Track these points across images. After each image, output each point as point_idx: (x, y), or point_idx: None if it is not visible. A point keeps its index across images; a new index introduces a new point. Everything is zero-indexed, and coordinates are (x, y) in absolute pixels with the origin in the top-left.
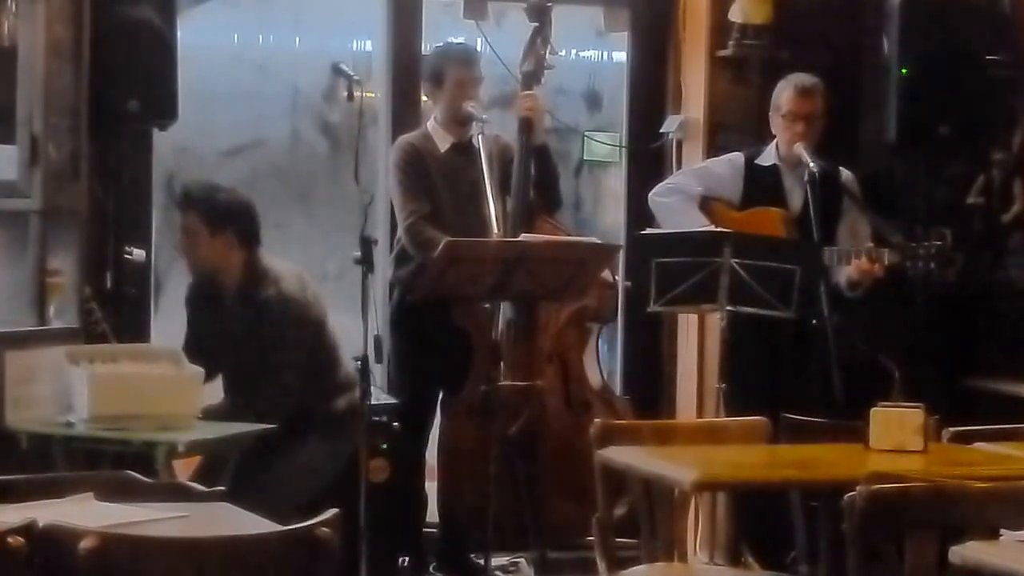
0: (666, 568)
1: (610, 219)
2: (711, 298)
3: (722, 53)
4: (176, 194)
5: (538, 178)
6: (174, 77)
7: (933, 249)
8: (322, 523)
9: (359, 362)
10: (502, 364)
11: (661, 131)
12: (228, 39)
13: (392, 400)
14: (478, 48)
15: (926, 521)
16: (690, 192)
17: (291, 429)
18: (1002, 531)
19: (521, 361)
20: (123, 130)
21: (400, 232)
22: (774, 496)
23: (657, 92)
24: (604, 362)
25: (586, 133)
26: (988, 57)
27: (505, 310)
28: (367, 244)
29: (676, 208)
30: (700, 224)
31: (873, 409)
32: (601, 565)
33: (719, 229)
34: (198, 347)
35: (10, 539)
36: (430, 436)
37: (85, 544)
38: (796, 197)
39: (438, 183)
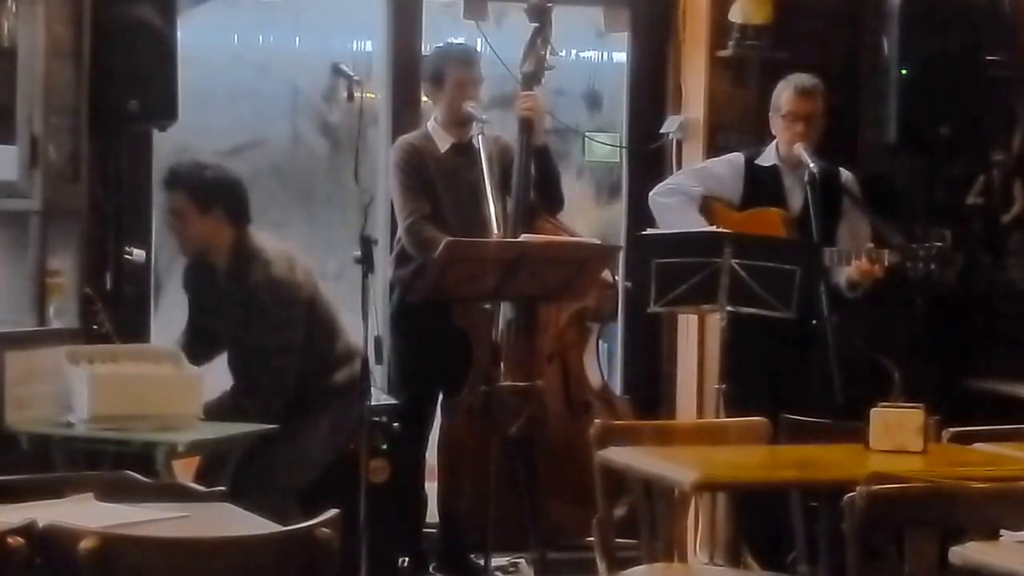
0: (666, 568)
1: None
2: (711, 298)
3: (722, 53)
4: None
5: (539, 178)
6: (174, 77)
7: (933, 250)
8: (322, 523)
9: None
10: (502, 364)
11: (661, 131)
12: (228, 39)
13: (392, 400)
14: (478, 48)
15: (926, 521)
16: (690, 193)
17: (292, 407)
18: (1002, 531)
19: (521, 361)
20: (123, 130)
21: (400, 232)
22: (774, 496)
23: (657, 92)
24: (604, 362)
25: (586, 134)
26: (988, 57)
27: (505, 310)
28: (367, 244)
29: (676, 209)
30: (699, 225)
31: (873, 410)
32: (601, 566)
33: (719, 230)
34: (199, 327)
35: (10, 539)
36: (430, 436)
37: (85, 544)
38: (796, 197)
39: (438, 183)
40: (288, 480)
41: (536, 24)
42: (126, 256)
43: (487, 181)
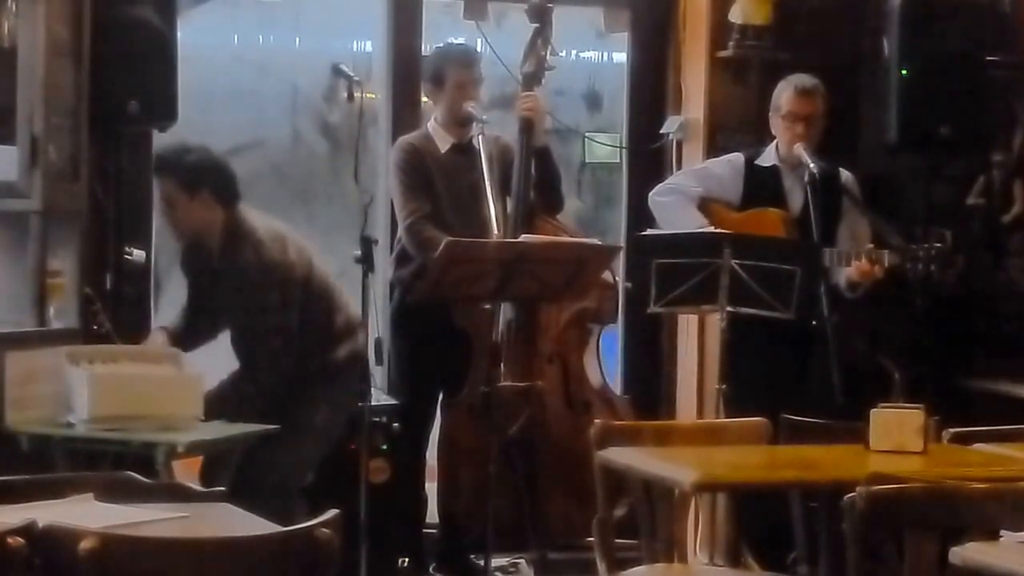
0: (666, 569)
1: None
2: (711, 299)
3: (722, 54)
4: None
5: (539, 179)
6: (174, 77)
7: (933, 251)
8: (322, 524)
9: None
10: (502, 365)
11: (661, 132)
12: (228, 39)
13: (392, 401)
14: (478, 49)
15: (926, 522)
16: (689, 193)
17: (293, 386)
18: (1002, 532)
19: (521, 362)
20: (123, 130)
21: (400, 232)
22: (774, 497)
23: (657, 93)
24: (604, 363)
25: (586, 134)
26: (988, 58)
27: (505, 311)
28: (367, 244)
29: (674, 206)
30: (698, 223)
31: (873, 410)
32: (601, 566)
33: (719, 230)
34: (199, 305)
35: (10, 540)
36: (430, 437)
37: (85, 545)
38: (796, 198)
39: (438, 183)
40: (295, 461)
41: (537, 24)
42: (126, 256)
43: (487, 181)
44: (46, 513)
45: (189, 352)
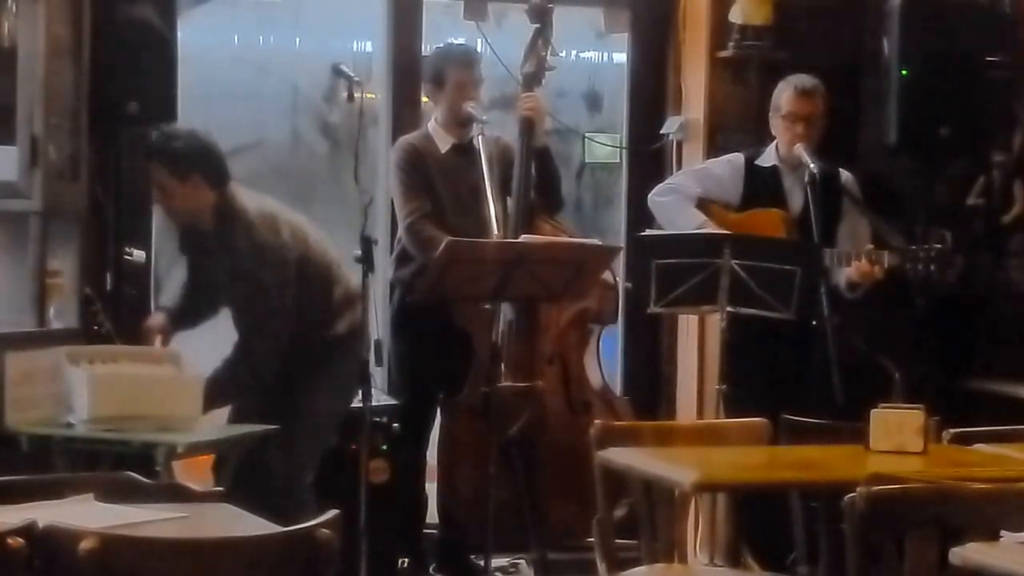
0: (666, 569)
1: None
2: (711, 299)
3: (722, 54)
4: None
5: (539, 179)
6: (174, 78)
7: (933, 252)
8: (322, 524)
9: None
10: (502, 365)
11: (661, 132)
12: (228, 40)
13: (392, 401)
14: (478, 49)
15: (926, 522)
16: (689, 193)
17: (293, 366)
18: (1002, 532)
19: (521, 362)
20: (123, 130)
21: (401, 232)
22: (774, 497)
23: (657, 93)
24: (604, 363)
25: (586, 134)
26: (988, 58)
27: (506, 311)
28: (367, 244)
29: (674, 206)
30: (698, 222)
31: (873, 410)
32: (601, 566)
33: (719, 230)
34: (198, 283)
35: (10, 540)
36: (430, 437)
37: (85, 545)
38: (796, 198)
39: (439, 184)
40: (304, 439)
41: (537, 25)
42: (126, 257)
43: (487, 182)
44: (46, 513)
45: (190, 329)
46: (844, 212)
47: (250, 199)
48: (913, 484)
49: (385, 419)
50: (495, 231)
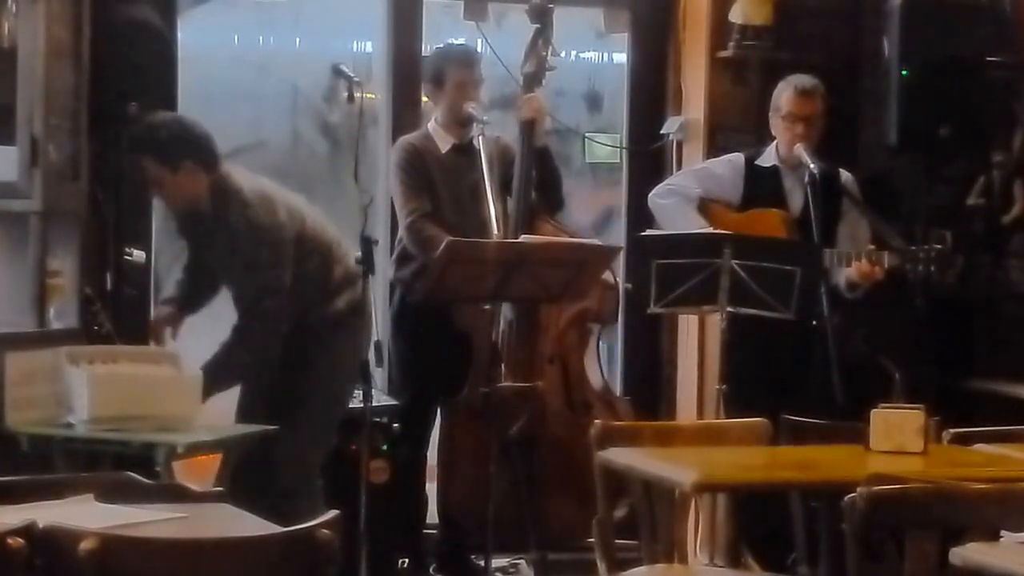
0: (666, 570)
1: None
2: (711, 299)
3: (722, 54)
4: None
5: (540, 179)
6: (174, 78)
7: (933, 252)
8: (322, 524)
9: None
10: (503, 365)
11: (661, 132)
12: (228, 40)
13: (392, 401)
14: (478, 49)
15: (926, 522)
16: (689, 194)
17: (295, 342)
18: (1003, 532)
19: (522, 362)
20: (123, 131)
21: (401, 231)
22: (774, 497)
23: (657, 93)
24: (604, 363)
25: (586, 134)
26: (988, 59)
27: (506, 311)
28: (367, 244)
29: (674, 210)
30: (697, 226)
31: (873, 410)
32: (601, 567)
33: (719, 231)
34: (198, 264)
35: (10, 540)
36: (430, 437)
37: (85, 545)
38: (796, 198)
39: (439, 184)
40: (310, 425)
41: (537, 25)
42: (126, 257)
43: (487, 182)
44: (46, 514)
45: (194, 313)
46: (844, 212)
47: (246, 179)
48: (913, 484)
49: (385, 419)
50: (495, 231)
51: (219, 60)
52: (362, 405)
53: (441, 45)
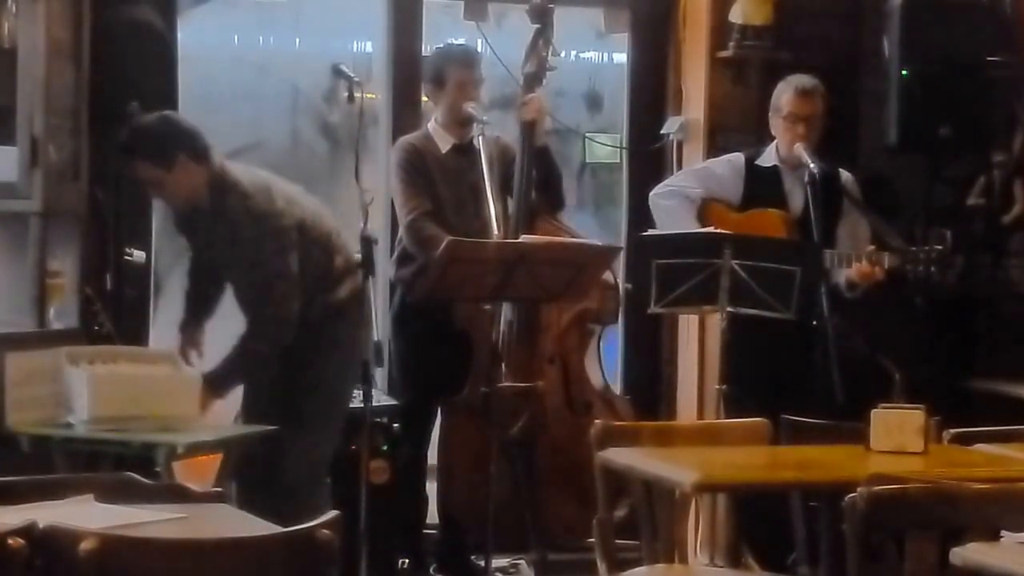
0: (667, 570)
1: None
2: (712, 299)
3: (722, 54)
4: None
5: (540, 179)
6: (174, 78)
7: (933, 253)
8: (322, 525)
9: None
10: (503, 365)
11: (661, 132)
12: (228, 40)
13: (392, 401)
14: (478, 49)
15: (927, 522)
16: (689, 194)
17: (299, 334)
18: (1003, 533)
19: (522, 362)
20: (123, 131)
21: (401, 230)
22: (775, 497)
23: (657, 93)
24: (604, 363)
25: (587, 134)
26: (988, 58)
27: (506, 311)
28: (367, 244)
29: (673, 212)
30: (695, 230)
31: (874, 410)
32: (601, 567)
33: (720, 231)
34: (201, 262)
35: (10, 540)
36: (431, 437)
37: (85, 546)
38: (796, 198)
39: (440, 184)
40: (321, 406)
41: (538, 25)
42: (126, 257)
43: (487, 182)
44: (46, 514)
45: (210, 318)
46: (844, 212)
47: (242, 171)
48: (914, 484)
49: (385, 419)
50: (495, 231)
51: (219, 60)
52: (362, 405)
53: (441, 45)
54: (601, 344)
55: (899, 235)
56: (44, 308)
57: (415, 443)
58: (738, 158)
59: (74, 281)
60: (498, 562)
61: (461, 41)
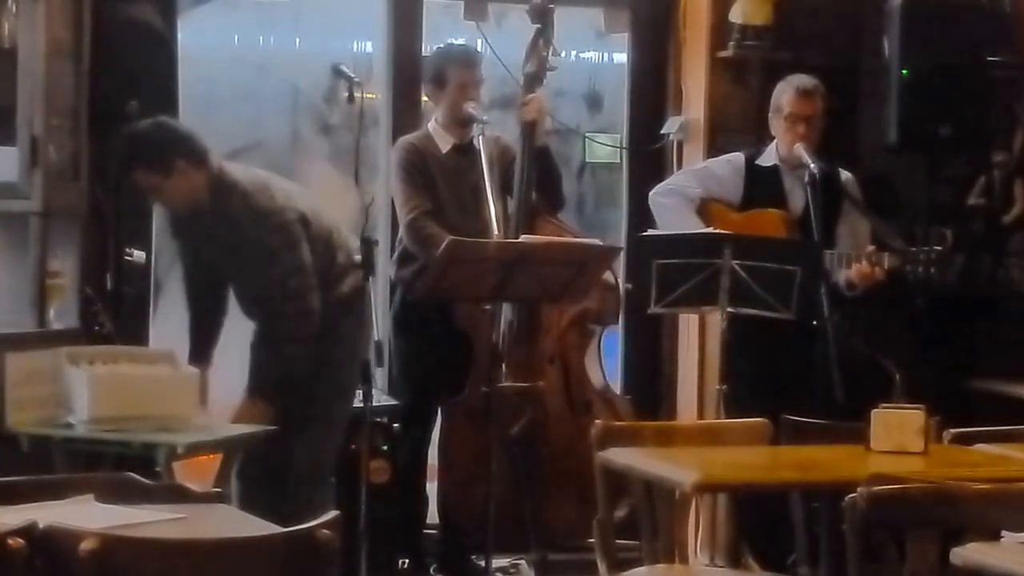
0: (667, 570)
1: None
2: (712, 299)
3: (722, 54)
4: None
5: (540, 179)
6: (174, 78)
7: (933, 254)
8: (322, 525)
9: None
10: (503, 365)
11: (662, 132)
12: (228, 40)
13: (393, 401)
14: (478, 49)
15: (927, 522)
16: (689, 194)
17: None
18: (1003, 533)
19: (522, 362)
20: (119, 140)
21: (402, 229)
22: (775, 498)
23: (658, 93)
24: (604, 363)
25: (587, 134)
26: (989, 58)
27: (506, 311)
28: (367, 245)
29: (674, 210)
30: (695, 228)
31: (874, 410)
32: (602, 567)
33: (720, 231)
34: (199, 268)
35: (11, 541)
36: (431, 437)
37: (85, 546)
38: (797, 198)
39: (440, 184)
40: (327, 401)
41: (538, 25)
42: (126, 257)
43: (487, 182)
44: (47, 514)
45: (220, 330)
46: (844, 212)
47: (239, 171)
48: (914, 484)
49: (385, 419)
50: (496, 231)
51: (219, 60)
52: (362, 405)
53: (442, 45)
54: (601, 344)
55: (899, 235)
56: (44, 308)
57: (415, 443)
58: (738, 158)
59: (74, 281)
60: (498, 562)
61: (461, 41)
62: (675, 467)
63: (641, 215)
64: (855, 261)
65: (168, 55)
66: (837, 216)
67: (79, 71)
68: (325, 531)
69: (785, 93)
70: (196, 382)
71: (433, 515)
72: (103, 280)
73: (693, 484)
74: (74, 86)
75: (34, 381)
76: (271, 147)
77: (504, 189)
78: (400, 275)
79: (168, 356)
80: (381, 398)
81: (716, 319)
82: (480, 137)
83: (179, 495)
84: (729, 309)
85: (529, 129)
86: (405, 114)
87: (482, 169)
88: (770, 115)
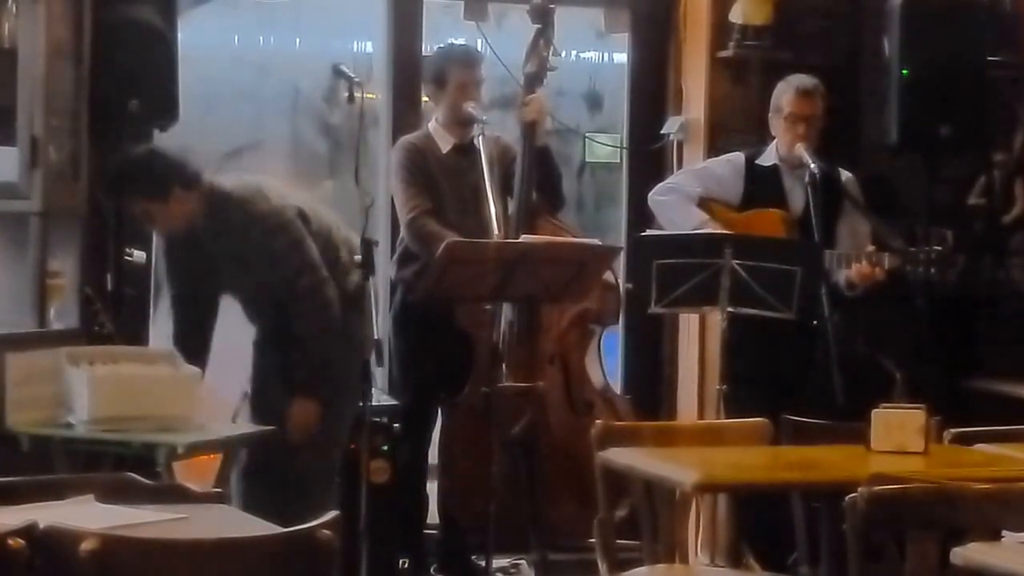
0: (667, 570)
1: None
2: (712, 299)
3: (723, 54)
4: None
5: (540, 179)
6: (174, 78)
7: (933, 254)
8: (322, 525)
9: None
10: (504, 366)
11: (662, 132)
12: (229, 40)
13: (393, 401)
14: (478, 49)
15: (927, 522)
16: (689, 193)
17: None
18: (1004, 532)
19: (523, 362)
20: (123, 131)
21: (402, 229)
22: (775, 498)
23: (658, 93)
24: (605, 363)
25: (587, 134)
26: (989, 58)
27: (506, 311)
28: (368, 246)
29: (674, 205)
30: (698, 220)
31: (874, 410)
32: (602, 567)
33: (720, 230)
34: (193, 286)
35: (11, 541)
36: (431, 437)
37: (86, 546)
38: (797, 198)
39: (441, 183)
40: (335, 391)
41: (539, 25)
42: (126, 257)
43: (488, 182)
44: (47, 514)
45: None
46: (844, 212)
47: (229, 181)
48: (914, 484)
49: (386, 419)
50: (496, 231)
51: (219, 60)
52: (362, 405)
53: (442, 45)
54: (601, 344)
55: (899, 235)
56: (44, 308)
57: (415, 443)
58: (738, 158)
59: (74, 281)
60: (499, 562)
61: (462, 41)
62: (675, 467)
63: (641, 215)
64: (855, 261)
65: (168, 55)
66: (837, 216)
67: (79, 71)
68: (325, 531)
69: (785, 93)
70: (196, 382)
71: (433, 515)
72: (103, 280)
73: (693, 484)
74: (74, 86)
75: (34, 381)
76: (271, 147)
77: (504, 189)
78: (401, 275)
79: (168, 356)
80: (381, 398)
81: (716, 319)
82: (480, 137)
83: (179, 495)
84: (729, 309)
85: (529, 129)
86: (405, 114)
87: (482, 169)
88: (770, 115)
